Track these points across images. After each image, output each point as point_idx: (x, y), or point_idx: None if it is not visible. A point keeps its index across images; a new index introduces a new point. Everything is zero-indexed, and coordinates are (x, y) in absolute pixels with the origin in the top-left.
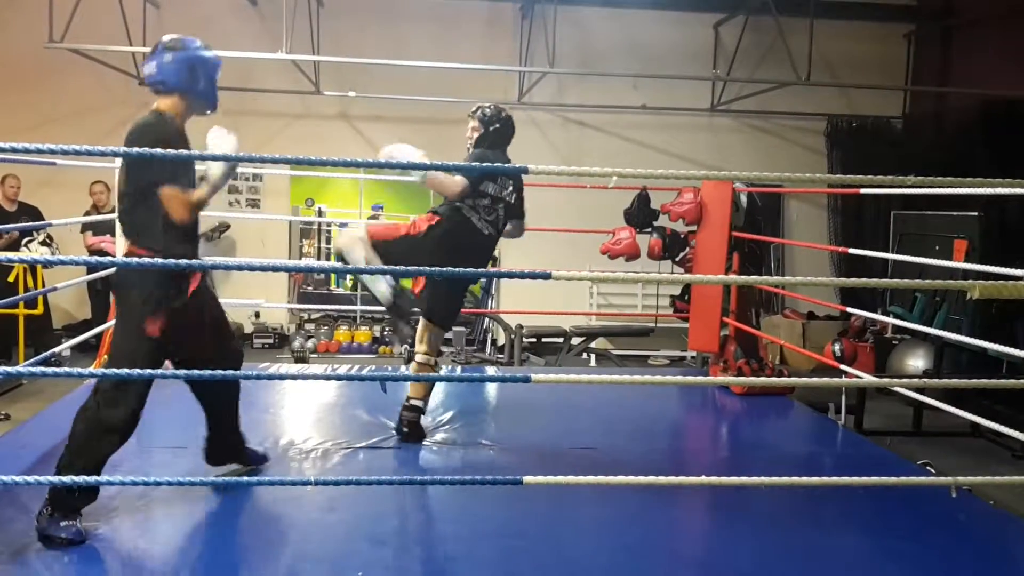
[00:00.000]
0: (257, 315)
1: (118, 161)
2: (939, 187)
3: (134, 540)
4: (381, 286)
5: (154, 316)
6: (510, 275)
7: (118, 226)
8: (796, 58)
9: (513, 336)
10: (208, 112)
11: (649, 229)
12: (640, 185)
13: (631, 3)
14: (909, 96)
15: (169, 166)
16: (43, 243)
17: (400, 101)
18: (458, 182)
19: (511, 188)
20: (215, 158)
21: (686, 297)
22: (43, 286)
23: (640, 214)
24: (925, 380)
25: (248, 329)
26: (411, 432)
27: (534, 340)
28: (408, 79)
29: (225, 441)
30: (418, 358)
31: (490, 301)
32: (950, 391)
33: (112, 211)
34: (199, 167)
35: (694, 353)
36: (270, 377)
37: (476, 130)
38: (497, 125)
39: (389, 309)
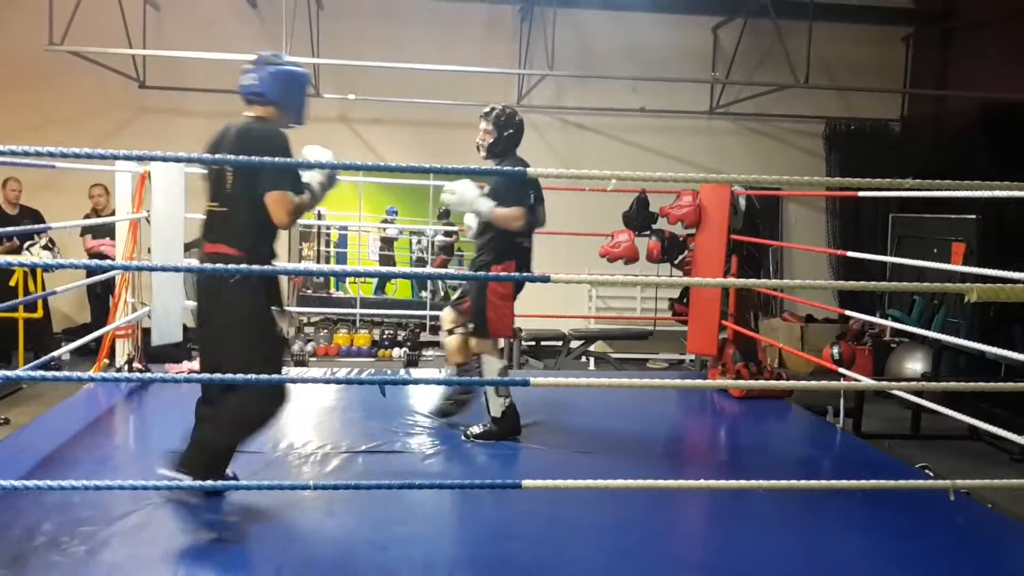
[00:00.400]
0: None
1: (120, 164)
2: (937, 190)
3: (132, 545)
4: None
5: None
6: (509, 278)
7: (208, 228)
8: (794, 61)
9: (512, 340)
10: (294, 126)
11: (648, 232)
12: (639, 188)
13: (630, 6)
14: (907, 99)
15: (287, 173)
16: (45, 247)
17: (400, 104)
18: (521, 214)
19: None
20: (311, 166)
21: (685, 300)
22: (43, 289)
23: (639, 217)
24: (923, 383)
25: None
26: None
27: (533, 343)
28: (408, 82)
29: None
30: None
31: None
32: (948, 394)
33: (111, 214)
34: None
35: (693, 356)
36: (268, 380)
37: (489, 133)
38: (511, 130)
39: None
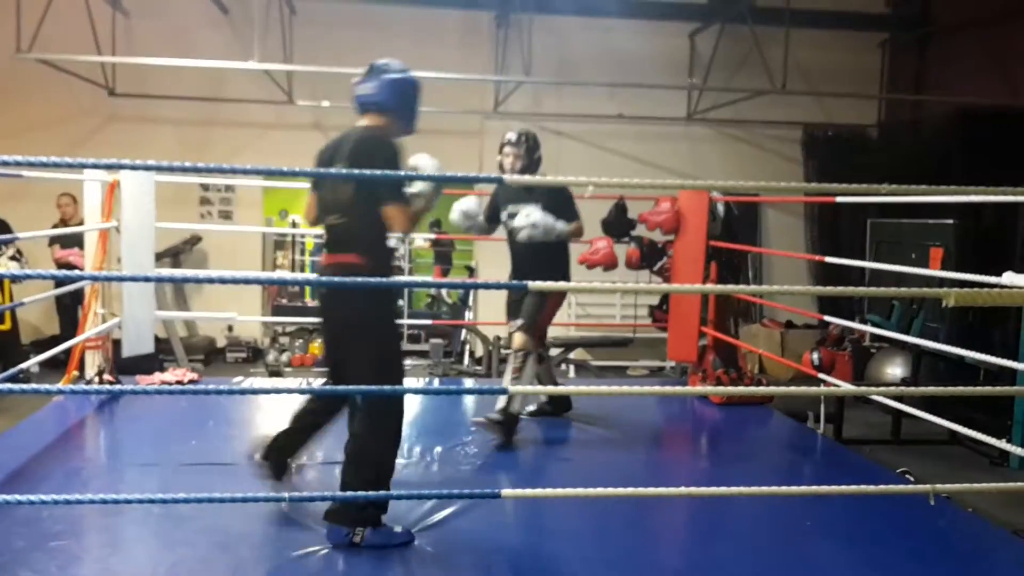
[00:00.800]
0: (230, 328)
1: (89, 173)
2: (914, 195)
3: (103, 560)
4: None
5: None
6: (487, 286)
7: (330, 240)
8: (772, 67)
9: (491, 348)
10: (405, 135)
11: (627, 239)
12: (617, 195)
13: (606, 12)
14: (884, 104)
15: (399, 183)
16: (12, 258)
17: None
18: (582, 226)
19: None
20: (417, 178)
21: (664, 307)
22: (11, 301)
23: (617, 224)
24: (903, 388)
25: (221, 343)
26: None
27: None
28: None
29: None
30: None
31: (467, 313)
32: (928, 399)
33: (80, 223)
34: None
35: (673, 363)
36: (243, 392)
37: (519, 158)
38: (539, 152)
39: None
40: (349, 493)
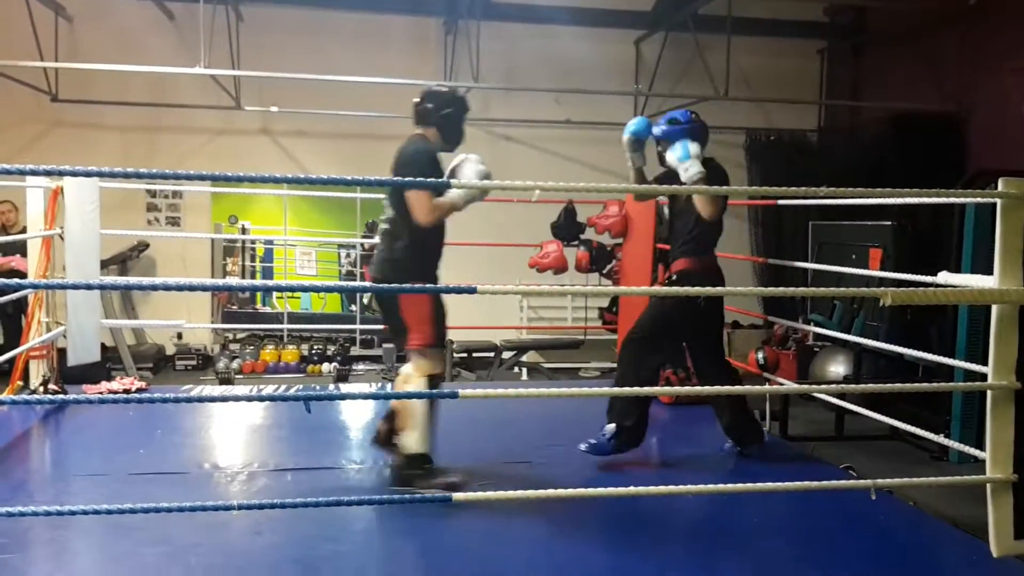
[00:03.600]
0: (179, 336)
1: (31, 180)
2: (851, 197)
3: (50, 572)
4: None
5: None
6: (436, 290)
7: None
8: (715, 74)
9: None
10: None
11: (576, 242)
12: (566, 199)
13: (553, 19)
14: (823, 110)
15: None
16: None
17: (324, 116)
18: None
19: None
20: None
21: (614, 309)
22: None
23: (567, 227)
24: (845, 386)
25: (170, 350)
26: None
27: (465, 355)
28: (332, 94)
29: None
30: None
31: None
32: (870, 396)
33: (21, 231)
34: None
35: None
36: (189, 400)
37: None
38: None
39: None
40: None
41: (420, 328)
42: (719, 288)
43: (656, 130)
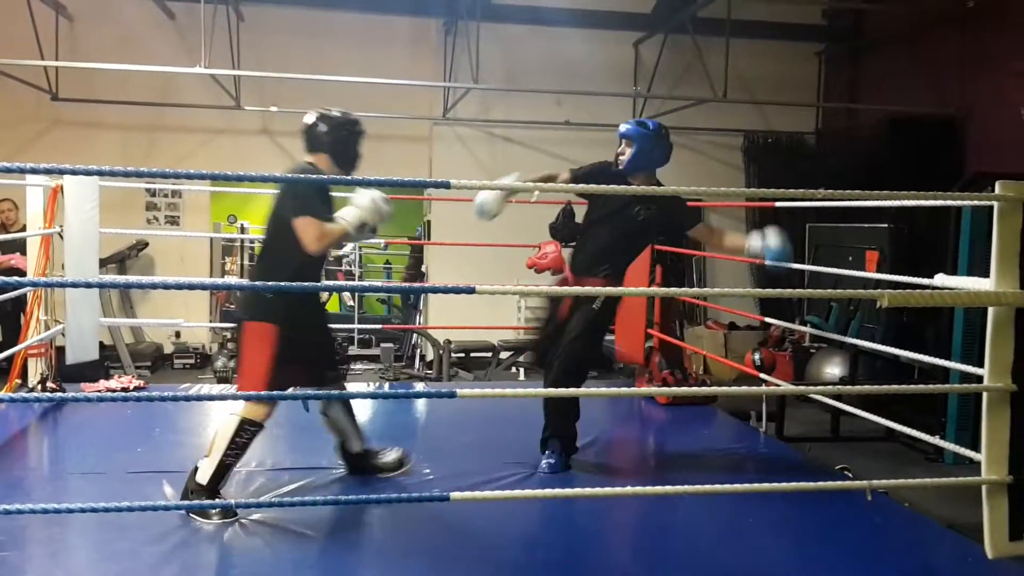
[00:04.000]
0: (178, 335)
1: (31, 178)
2: (848, 199)
3: (48, 569)
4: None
5: None
6: (434, 290)
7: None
8: (713, 76)
9: (442, 352)
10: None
11: (574, 243)
12: (565, 200)
13: (553, 21)
14: (821, 112)
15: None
16: None
17: None
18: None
19: None
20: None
21: None
22: None
23: (565, 228)
24: (841, 387)
25: (168, 349)
26: None
27: (463, 355)
28: (332, 95)
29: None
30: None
31: (418, 316)
32: (866, 397)
33: (21, 229)
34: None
35: (620, 364)
36: (189, 398)
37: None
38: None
39: None
40: None
41: (250, 377)
42: (716, 290)
43: (623, 127)
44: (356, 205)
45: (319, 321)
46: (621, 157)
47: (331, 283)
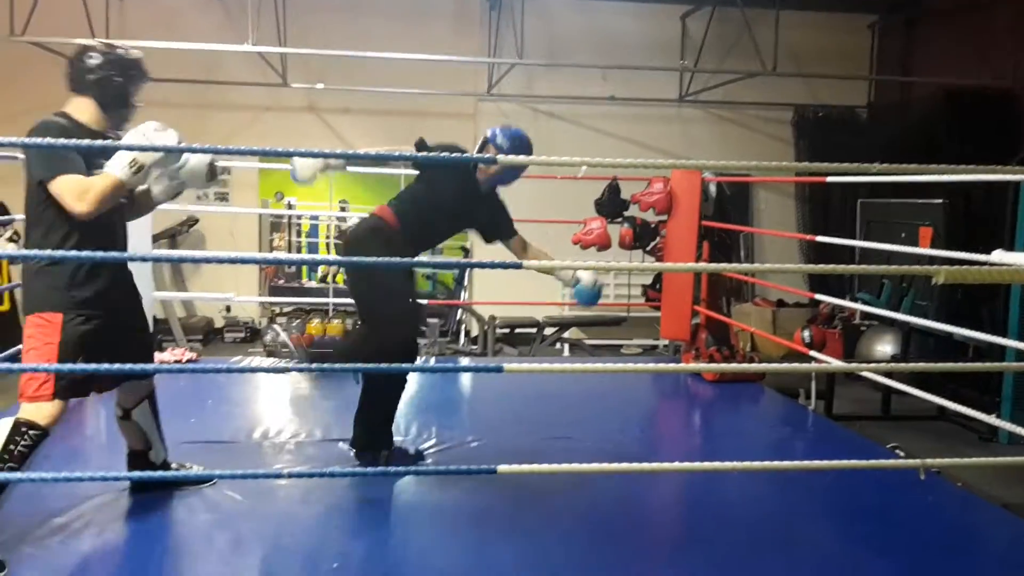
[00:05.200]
0: (228, 309)
1: None
2: (904, 174)
3: (105, 536)
4: None
5: None
6: (481, 265)
7: None
8: (762, 49)
9: (486, 327)
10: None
11: (620, 219)
12: (610, 175)
13: None
14: (873, 86)
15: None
16: (10, 239)
17: (369, 93)
18: None
19: None
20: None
21: (658, 286)
22: (8, 282)
23: (611, 204)
24: (893, 365)
25: (219, 323)
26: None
27: (507, 331)
28: (377, 71)
29: None
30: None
31: (463, 292)
32: (917, 375)
33: None
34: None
35: (666, 342)
36: (241, 370)
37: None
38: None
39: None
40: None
41: (31, 379)
42: (764, 266)
43: (500, 140)
44: (127, 144)
45: (128, 305)
46: (485, 169)
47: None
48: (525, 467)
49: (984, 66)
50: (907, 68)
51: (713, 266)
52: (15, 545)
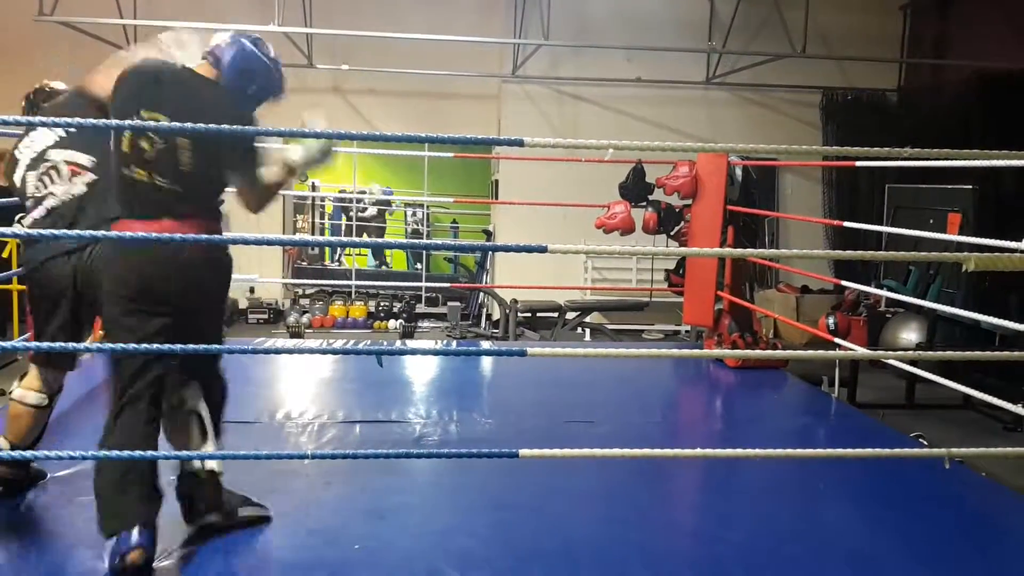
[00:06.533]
0: (252, 290)
1: None
2: (934, 159)
3: None
4: None
5: None
6: (506, 248)
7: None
8: (791, 30)
9: (508, 311)
10: None
11: (644, 203)
12: (635, 159)
13: None
14: (904, 69)
15: None
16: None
17: (394, 74)
18: None
19: None
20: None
21: (681, 271)
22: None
23: (635, 188)
24: (918, 353)
25: (243, 304)
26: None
27: (529, 314)
28: (402, 52)
29: None
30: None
31: (485, 276)
32: (942, 364)
33: None
34: None
35: (688, 327)
36: (266, 351)
37: None
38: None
39: None
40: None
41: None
42: (788, 251)
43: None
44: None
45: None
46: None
47: (394, 241)
48: (547, 451)
49: (1018, 49)
50: (940, 51)
51: (738, 251)
52: (43, 522)
